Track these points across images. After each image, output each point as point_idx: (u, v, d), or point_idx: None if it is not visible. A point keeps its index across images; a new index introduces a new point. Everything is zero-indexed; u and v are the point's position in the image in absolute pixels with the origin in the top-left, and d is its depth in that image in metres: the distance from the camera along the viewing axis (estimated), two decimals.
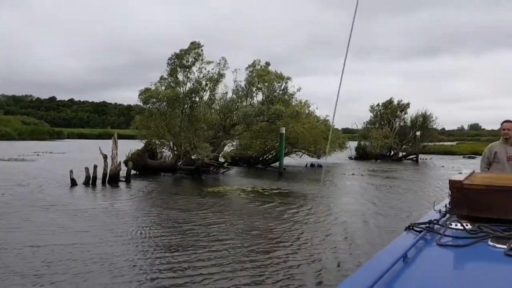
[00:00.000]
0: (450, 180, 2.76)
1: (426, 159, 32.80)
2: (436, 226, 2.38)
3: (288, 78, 19.78)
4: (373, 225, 9.15)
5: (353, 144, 33.41)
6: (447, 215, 2.77)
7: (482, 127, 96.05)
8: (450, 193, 2.74)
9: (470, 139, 67.45)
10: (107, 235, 7.63)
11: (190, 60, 18.47)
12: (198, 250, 6.73)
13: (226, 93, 19.97)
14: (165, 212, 10.12)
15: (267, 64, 19.58)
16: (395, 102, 37.09)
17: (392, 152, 34.26)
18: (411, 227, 2.40)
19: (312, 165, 24.98)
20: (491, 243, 2.07)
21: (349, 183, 17.43)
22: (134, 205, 11.32)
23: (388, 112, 36.57)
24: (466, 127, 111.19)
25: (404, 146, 34.95)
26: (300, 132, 21.85)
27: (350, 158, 32.63)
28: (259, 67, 19.46)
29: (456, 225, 2.38)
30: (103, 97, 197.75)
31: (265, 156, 24.54)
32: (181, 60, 18.51)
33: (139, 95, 18.32)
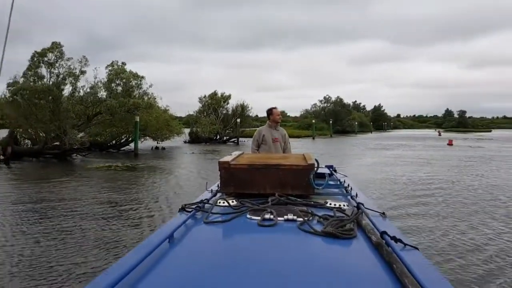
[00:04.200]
0: (219, 161, 2.98)
1: (244, 141, 41.03)
2: (206, 205, 2.54)
3: (143, 77, 24.29)
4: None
5: (186, 130, 39.39)
6: (218, 194, 3.02)
7: (288, 114, 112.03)
8: (220, 173, 2.96)
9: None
10: None
11: (52, 58, 21.15)
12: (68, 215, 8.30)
13: (84, 86, 23.21)
14: (42, 187, 11.89)
15: (124, 63, 23.62)
16: (219, 94, 44.35)
17: (219, 136, 41.44)
18: (183, 208, 2.47)
19: (156, 147, 29.87)
20: (248, 216, 2.31)
21: (190, 159, 23.21)
22: (17, 181, 14.20)
23: (214, 102, 43.60)
24: None
25: (227, 131, 42.50)
26: (149, 120, 26.41)
27: (185, 142, 38.46)
28: (117, 66, 23.30)
29: (223, 202, 2.59)
30: None
31: (116, 141, 28.21)
32: (44, 58, 21.03)
33: (7, 87, 20.30)
